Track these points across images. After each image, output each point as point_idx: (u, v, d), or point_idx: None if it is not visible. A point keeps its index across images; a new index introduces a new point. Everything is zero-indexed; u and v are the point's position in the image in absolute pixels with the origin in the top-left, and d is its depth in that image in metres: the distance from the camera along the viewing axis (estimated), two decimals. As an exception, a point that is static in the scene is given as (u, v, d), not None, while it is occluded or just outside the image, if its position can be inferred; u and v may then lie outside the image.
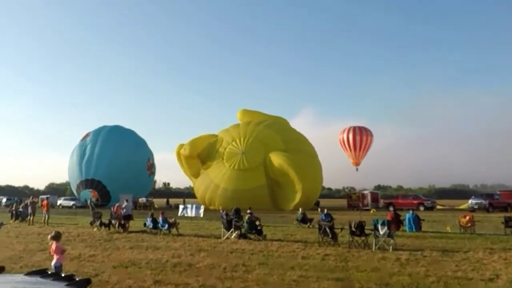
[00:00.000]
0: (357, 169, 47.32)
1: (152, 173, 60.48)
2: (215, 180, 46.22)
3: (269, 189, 44.36)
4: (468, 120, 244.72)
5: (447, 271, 9.96)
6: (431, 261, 11.35)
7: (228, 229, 17.64)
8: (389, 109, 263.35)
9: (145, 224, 20.28)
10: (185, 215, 26.54)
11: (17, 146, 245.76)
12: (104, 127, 57.71)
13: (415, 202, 42.94)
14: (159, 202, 60.75)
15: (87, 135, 56.56)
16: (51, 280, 2.43)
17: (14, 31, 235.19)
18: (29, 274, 2.64)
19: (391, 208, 35.28)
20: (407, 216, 20.99)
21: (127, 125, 59.74)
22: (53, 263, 7.77)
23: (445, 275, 9.45)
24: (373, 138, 46.25)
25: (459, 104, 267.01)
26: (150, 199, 54.64)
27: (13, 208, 29.84)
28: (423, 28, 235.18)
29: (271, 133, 48.08)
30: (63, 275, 2.51)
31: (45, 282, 2.39)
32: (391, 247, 13.70)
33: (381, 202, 49.66)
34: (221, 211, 20.50)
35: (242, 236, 16.95)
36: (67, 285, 2.30)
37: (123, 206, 22.85)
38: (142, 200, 51.11)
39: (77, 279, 2.43)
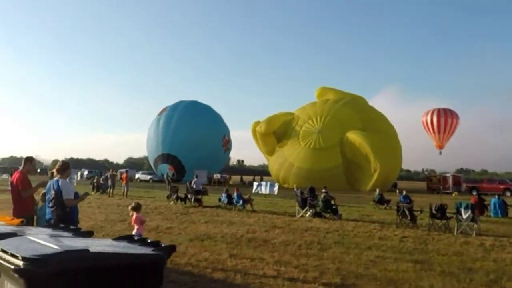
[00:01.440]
0: (440, 153, 45.56)
1: (228, 149, 60.17)
2: (290, 158, 46.16)
3: (345, 169, 43.58)
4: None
5: (537, 258, 9.36)
6: (519, 248, 10.70)
7: (302, 207, 17.61)
8: (476, 88, 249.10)
9: (220, 200, 20.71)
10: (259, 192, 26.76)
11: (95, 122, 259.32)
12: (181, 102, 57.29)
13: (501, 187, 40.47)
14: (232, 179, 61.34)
15: (164, 109, 56.50)
16: (138, 245, 2.48)
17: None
18: (116, 239, 2.70)
19: (475, 192, 33.72)
20: (492, 201, 19.99)
21: (204, 102, 59.78)
22: (134, 232, 8.05)
23: (534, 263, 8.89)
24: (458, 120, 44.20)
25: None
26: (225, 175, 55.38)
27: (95, 181, 31.30)
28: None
29: (349, 111, 46.79)
30: (149, 241, 2.54)
31: (133, 247, 2.43)
32: (474, 232, 13.03)
33: (464, 186, 47.24)
34: (296, 189, 20.47)
35: (316, 214, 16.88)
36: (153, 250, 2.32)
37: (193, 181, 23.46)
38: (217, 176, 51.88)
39: (162, 245, 2.45)
